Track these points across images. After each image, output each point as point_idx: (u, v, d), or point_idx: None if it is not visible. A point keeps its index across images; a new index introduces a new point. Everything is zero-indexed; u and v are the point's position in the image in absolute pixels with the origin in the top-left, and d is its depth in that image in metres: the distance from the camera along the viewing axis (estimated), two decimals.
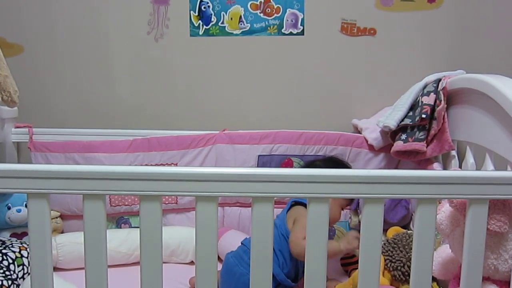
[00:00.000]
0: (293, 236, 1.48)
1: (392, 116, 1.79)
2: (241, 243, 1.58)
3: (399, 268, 1.52)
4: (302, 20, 2.05)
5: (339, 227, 1.97)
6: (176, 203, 1.94)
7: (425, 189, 1.03)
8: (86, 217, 1.04)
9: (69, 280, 1.47)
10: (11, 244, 1.58)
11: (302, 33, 2.06)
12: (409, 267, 1.48)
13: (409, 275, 1.46)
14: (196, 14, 2.05)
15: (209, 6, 2.04)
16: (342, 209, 1.64)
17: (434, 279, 1.42)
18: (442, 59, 2.02)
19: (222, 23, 2.05)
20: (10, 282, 1.45)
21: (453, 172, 1.09)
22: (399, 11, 2.02)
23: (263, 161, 1.92)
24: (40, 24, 2.07)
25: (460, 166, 1.67)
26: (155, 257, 1.06)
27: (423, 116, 1.68)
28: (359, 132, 1.99)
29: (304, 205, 1.54)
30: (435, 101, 1.70)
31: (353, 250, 1.72)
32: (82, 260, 1.06)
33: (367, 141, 1.93)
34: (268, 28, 2.05)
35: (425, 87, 1.78)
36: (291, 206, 1.60)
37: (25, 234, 1.81)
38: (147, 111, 2.12)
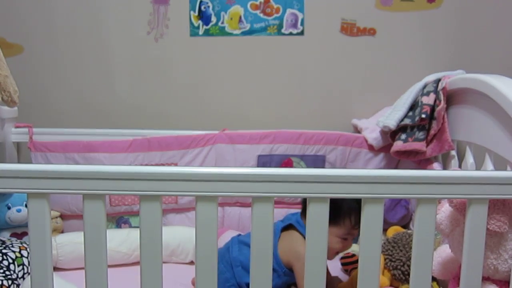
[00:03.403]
0: None
1: (392, 116, 1.79)
2: (231, 238, 1.59)
3: (399, 267, 1.53)
4: (302, 20, 2.05)
5: None
6: (176, 203, 1.94)
7: (425, 189, 1.03)
8: (86, 217, 1.04)
9: (69, 280, 1.47)
10: (11, 244, 1.58)
11: (302, 33, 2.06)
12: (409, 266, 1.49)
13: (409, 274, 1.47)
14: (196, 14, 2.05)
15: (209, 6, 2.04)
16: (345, 239, 1.48)
17: (434, 279, 1.42)
18: (442, 59, 2.02)
19: (222, 23, 2.05)
20: (10, 282, 1.45)
21: (453, 172, 1.09)
22: (399, 11, 2.02)
23: (263, 161, 1.92)
24: (40, 24, 2.07)
25: (460, 166, 1.67)
26: (155, 257, 1.06)
27: (423, 116, 1.69)
28: (359, 132, 1.99)
29: (296, 229, 1.48)
30: (435, 101, 1.70)
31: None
32: (82, 260, 1.06)
33: (367, 141, 1.93)
34: (268, 28, 2.05)
35: (425, 87, 1.78)
36: (281, 230, 1.52)
37: (25, 234, 1.81)
38: (147, 111, 2.12)
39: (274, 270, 1.43)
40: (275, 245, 1.47)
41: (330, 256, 1.53)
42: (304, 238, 1.40)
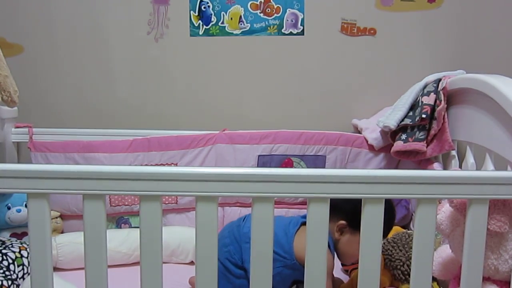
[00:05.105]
0: None
1: (392, 116, 1.79)
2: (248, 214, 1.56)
3: (398, 267, 1.53)
4: (302, 20, 2.05)
5: None
6: (176, 203, 1.94)
7: (425, 189, 1.03)
8: (86, 217, 1.04)
9: (69, 280, 1.47)
10: (11, 244, 1.58)
11: (302, 33, 2.06)
12: (408, 266, 1.49)
13: (408, 274, 1.47)
14: (196, 14, 2.05)
15: (209, 6, 2.04)
16: None
17: (434, 279, 1.42)
18: (442, 59, 2.02)
19: (222, 23, 2.05)
20: (10, 282, 1.44)
21: (453, 172, 1.09)
22: (399, 11, 2.02)
23: (263, 161, 1.92)
24: (40, 24, 2.07)
25: (460, 166, 1.67)
26: (155, 257, 1.06)
27: (423, 116, 1.69)
28: (359, 132, 1.99)
29: None
30: (435, 101, 1.70)
31: None
32: (82, 260, 1.06)
33: (367, 141, 1.93)
34: (268, 28, 2.05)
35: (425, 87, 1.78)
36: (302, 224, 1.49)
37: (25, 234, 1.81)
38: (147, 111, 2.12)
39: (283, 258, 1.42)
40: (291, 235, 1.45)
41: (349, 261, 1.53)
42: None
